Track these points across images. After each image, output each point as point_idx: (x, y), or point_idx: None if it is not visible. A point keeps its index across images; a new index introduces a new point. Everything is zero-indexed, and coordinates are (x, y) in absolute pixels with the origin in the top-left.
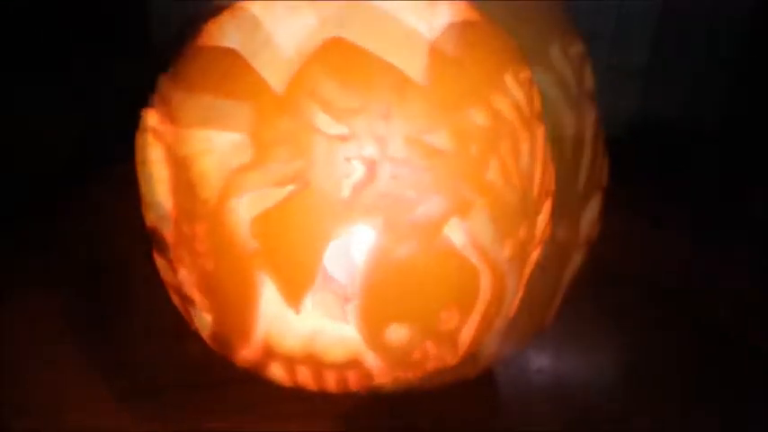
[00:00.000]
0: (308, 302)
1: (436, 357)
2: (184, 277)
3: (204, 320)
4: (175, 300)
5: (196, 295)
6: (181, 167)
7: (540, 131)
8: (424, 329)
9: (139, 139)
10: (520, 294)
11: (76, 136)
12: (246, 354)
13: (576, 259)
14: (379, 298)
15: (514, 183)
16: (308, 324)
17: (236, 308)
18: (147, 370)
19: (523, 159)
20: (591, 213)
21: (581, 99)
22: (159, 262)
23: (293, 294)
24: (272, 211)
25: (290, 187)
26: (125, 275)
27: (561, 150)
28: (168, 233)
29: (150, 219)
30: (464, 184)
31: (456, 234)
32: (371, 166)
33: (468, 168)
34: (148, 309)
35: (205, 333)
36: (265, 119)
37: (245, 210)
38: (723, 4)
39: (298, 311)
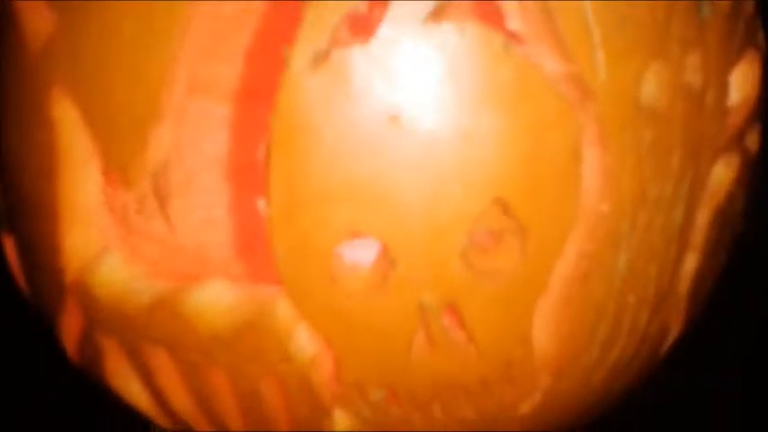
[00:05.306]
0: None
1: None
2: None
3: (7, 247)
4: None
5: None
6: None
7: None
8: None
9: None
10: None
11: None
12: (66, 322)
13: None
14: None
15: None
16: (178, 240)
17: (31, 194)
18: None
19: None
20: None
21: None
22: None
23: (119, 154)
24: None
25: None
26: None
27: None
28: None
29: None
30: None
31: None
32: None
33: None
34: None
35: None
36: None
37: None
38: None
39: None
